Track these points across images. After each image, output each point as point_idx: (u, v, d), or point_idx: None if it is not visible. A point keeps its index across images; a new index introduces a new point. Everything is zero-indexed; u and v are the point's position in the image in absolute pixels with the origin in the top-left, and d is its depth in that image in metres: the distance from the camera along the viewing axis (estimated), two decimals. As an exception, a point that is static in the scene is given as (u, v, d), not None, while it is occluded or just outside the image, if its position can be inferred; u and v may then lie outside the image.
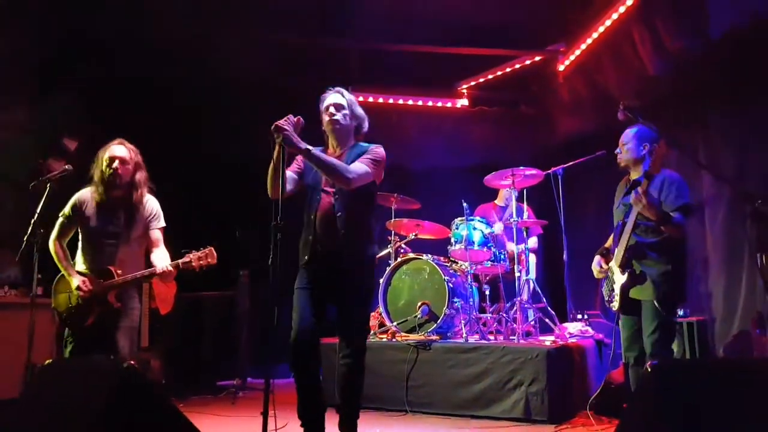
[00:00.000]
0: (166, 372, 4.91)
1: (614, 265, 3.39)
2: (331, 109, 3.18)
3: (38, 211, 3.40)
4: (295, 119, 2.95)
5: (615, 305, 3.39)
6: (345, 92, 3.24)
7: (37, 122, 5.26)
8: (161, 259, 3.39)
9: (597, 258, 3.57)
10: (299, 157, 3.20)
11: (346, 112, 3.20)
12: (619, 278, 3.34)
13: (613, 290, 3.40)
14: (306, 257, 3.15)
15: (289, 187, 3.07)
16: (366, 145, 3.24)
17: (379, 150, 3.21)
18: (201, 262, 3.33)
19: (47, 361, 3.19)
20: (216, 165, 6.17)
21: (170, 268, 3.30)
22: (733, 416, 1.76)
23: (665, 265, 3.25)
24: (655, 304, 3.22)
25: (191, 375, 5.53)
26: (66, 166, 3.57)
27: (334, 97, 3.21)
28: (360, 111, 3.25)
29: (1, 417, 3.05)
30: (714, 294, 5.07)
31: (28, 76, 5.19)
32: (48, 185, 3.44)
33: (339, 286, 3.11)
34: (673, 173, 3.38)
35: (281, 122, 2.89)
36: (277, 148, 2.88)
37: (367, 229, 3.20)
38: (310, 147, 2.96)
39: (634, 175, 3.45)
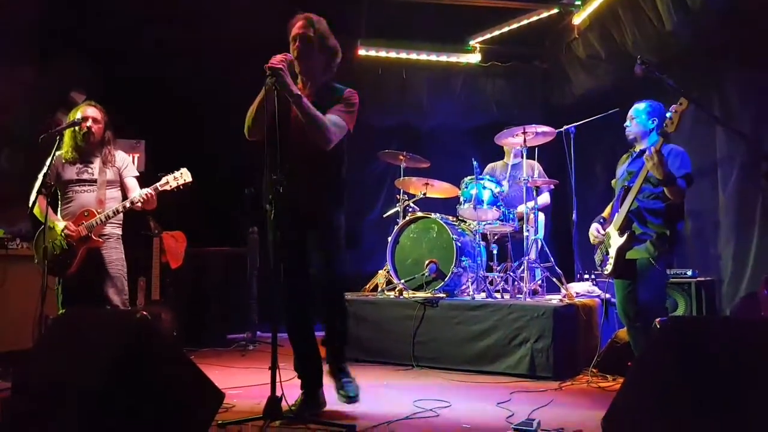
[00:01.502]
0: (176, 325, 4.99)
1: (612, 229, 3.48)
2: (297, 42, 2.93)
3: (48, 163, 3.44)
4: (283, 56, 2.80)
5: (609, 269, 3.49)
6: (314, 20, 2.97)
7: (45, 80, 5.23)
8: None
9: (594, 225, 3.67)
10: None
11: (314, 44, 2.94)
12: (617, 241, 3.43)
13: (607, 254, 3.51)
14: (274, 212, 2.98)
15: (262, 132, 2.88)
16: (340, 88, 3.04)
17: (354, 98, 3.02)
18: (177, 182, 3.57)
19: (60, 312, 3.26)
20: (224, 120, 6.12)
21: (149, 191, 3.55)
22: (742, 372, 1.77)
23: (664, 229, 3.37)
24: (651, 260, 3.34)
25: (201, 328, 5.63)
26: (75, 119, 3.59)
27: (300, 25, 2.95)
28: (332, 42, 3.00)
29: (16, 367, 3.12)
30: (723, 255, 5.04)
31: (36, 34, 5.14)
32: (57, 138, 3.47)
33: (308, 240, 3.03)
34: (678, 147, 3.48)
35: (277, 62, 2.75)
36: (267, 88, 2.75)
37: (333, 182, 3.05)
38: (301, 94, 2.82)
39: (640, 147, 3.54)
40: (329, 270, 3.05)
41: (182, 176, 3.59)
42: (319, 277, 3.06)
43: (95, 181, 3.63)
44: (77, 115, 3.62)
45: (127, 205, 3.57)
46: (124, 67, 5.47)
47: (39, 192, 3.41)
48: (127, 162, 3.79)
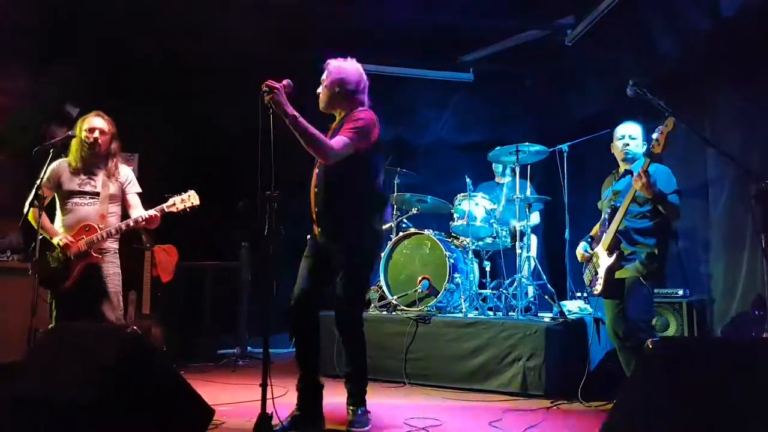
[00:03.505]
0: (167, 339, 4.95)
1: (601, 249, 3.50)
2: (319, 88, 3.18)
3: (41, 176, 3.41)
4: (286, 82, 2.88)
5: (598, 289, 3.50)
6: (334, 61, 3.17)
7: (39, 90, 5.23)
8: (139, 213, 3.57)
9: (582, 244, 3.69)
10: None
11: (326, 81, 3.14)
12: (606, 261, 3.45)
13: (596, 274, 3.52)
14: (312, 229, 3.20)
15: None
16: (358, 110, 3.12)
17: (360, 115, 3.06)
18: (185, 203, 3.51)
19: (50, 326, 3.23)
20: (217, 135, 6.14)
21: (154, 212, 3.49)
22: (734, 394, 1.77)
23: (652, 248, 3.40)
24: (641, 279, 3.35)
25: (192, 343, 5.58)
26: (69, 132, 3.60)
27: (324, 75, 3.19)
28: (339, 75, 3.12)
29: (5, 379, 3.08)
30: (714, 275, 5.07)
31: (31, 43, 5.15)
32: (51, 151, 3.45)
33: (331, 259, 3.11)
34: (662, 166, 3.50)
35: (273, 82, 2.82)
36: (264, 104, 2.80)
37: (355, 202, 3.08)
38: (297, 114, 2.87)
39: (624, 168, 3.58)
40: (344, 316, 3.14)
41: (190, 198, 3.53)
42: (337, 320, 3.15)
43: (98, 194, 3.55)
44: (84, 125, 3.55)
45: (131, 224, 3.50)
46: (117, 79, 5.47)
47: (32, 204, 3.36)
48: (130, 178, 3.70)
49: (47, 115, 5.24)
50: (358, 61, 3.23)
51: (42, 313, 3.41)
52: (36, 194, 3.35)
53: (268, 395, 2.65)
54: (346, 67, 3.16)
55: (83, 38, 5.28)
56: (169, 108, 5.75)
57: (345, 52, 3.27)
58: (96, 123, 3.57)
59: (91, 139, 3.53)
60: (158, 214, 3.51)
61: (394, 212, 5.38)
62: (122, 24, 5.29)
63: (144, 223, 3.50)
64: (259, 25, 5.36)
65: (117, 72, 5.51)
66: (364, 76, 3.21)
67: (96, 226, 3.47)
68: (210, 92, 5.82)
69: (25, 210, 3.40)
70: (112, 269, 3.56)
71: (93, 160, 3.58)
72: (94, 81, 5.32)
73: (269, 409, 2.65)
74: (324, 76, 3.17)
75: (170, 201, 3.52)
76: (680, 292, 4.79)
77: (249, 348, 5.64)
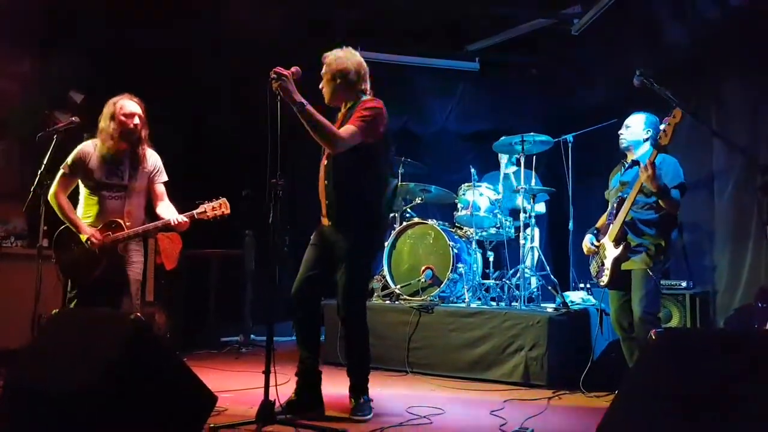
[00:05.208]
0: (170, 327, 4.97)
1: (607, 240, 3.48)
2: (321, 82, 3.19)
3: (45, 162, 3.39)
4: (294, 69, 2.88)
5: (604, 280, 3.49)
6: (331, 53, 3.14)
7: (43, 75, 5.22)
8: (168, 211, 3.45)
9: (588, 236, 3.67)
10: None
11: (327, 75, 3.13)
12: (612, 252, 3.43)
13: (602, 265, 3.50)
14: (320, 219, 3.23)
15: None
16: (364, 99, 3.11)
17: (369, 104, 3.05)
18: (216, 212, 3.40)
19: (54, 312, 3.24)
20: (221, 124, 6.13)
21: (184, 218, 3.37)
22: (735, 384, 1.77)
23: (659, 239, 3.40)
24: (648, 271, 3.34)
25: (195, 330, 5.60)
26: (73, 118, 3.54)
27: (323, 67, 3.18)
28: (338, 66, 3.10)
29: (9, 365, 3.10)
30: (718, 266, 5.06)
31: (34, 28, 5.12)
32: (54, 136, 3.43)
33: (335, 249, 3.12)
34: (670, 157, 3.48)
35: (282, 69, 2.81)
36: (272, 91, 2.79)
37: (359, 194, 3.09)
38: (305, 101, 2.85)
39: (631, 157, 3.56)
40: (345, 306, 3.14)
41: (221, 207, 3.39)
42: (339, 310, 3.17)
43: (125, 187, 3.40)
44: (118, 109, 3.34)
45: (160, 226, 3.40)
46: (122, 66, 5.46)
47: (59, 189, 3.34)
48: (158, 166, 3.53)
49: (51, 100, 5.22)
50: (364, 49, 3.23)
51: (46, 299, 3.41)
52: (39, 181, 3.34)
53: (271, 383, 2.66)
54: (344, 57, 3.14)
55: (84, 26, 5.25)
56: (171, 98, 5.72)
57: (351, 41, 3.25)
58: (134, 108, 3.38)
59: (131, 125, 3.34)
60: (188, 221, 3.37)
61: (399, 202, 5.37)
62: (123, 17, 5.26)
63: (174, 226, 3.38)
64: (268, 12, 5.33)
65: (118, 61, 5.48)
66: (363, 63, 3.18)
67: (123, 224, 3.34)
68: (217, 78, 5.80)
69: (29, 197, 3.39)
70: (136, 257, 3.45)
71: (122, 147, 3.39)
72: (99, 65, 5.29)
73: (272, 397, 2.66)
74: (324, 70, 3.14)
75: (201, 208, 3.38)
76: (683, 284, 4.78)
77: (252, 336, 5.65)
